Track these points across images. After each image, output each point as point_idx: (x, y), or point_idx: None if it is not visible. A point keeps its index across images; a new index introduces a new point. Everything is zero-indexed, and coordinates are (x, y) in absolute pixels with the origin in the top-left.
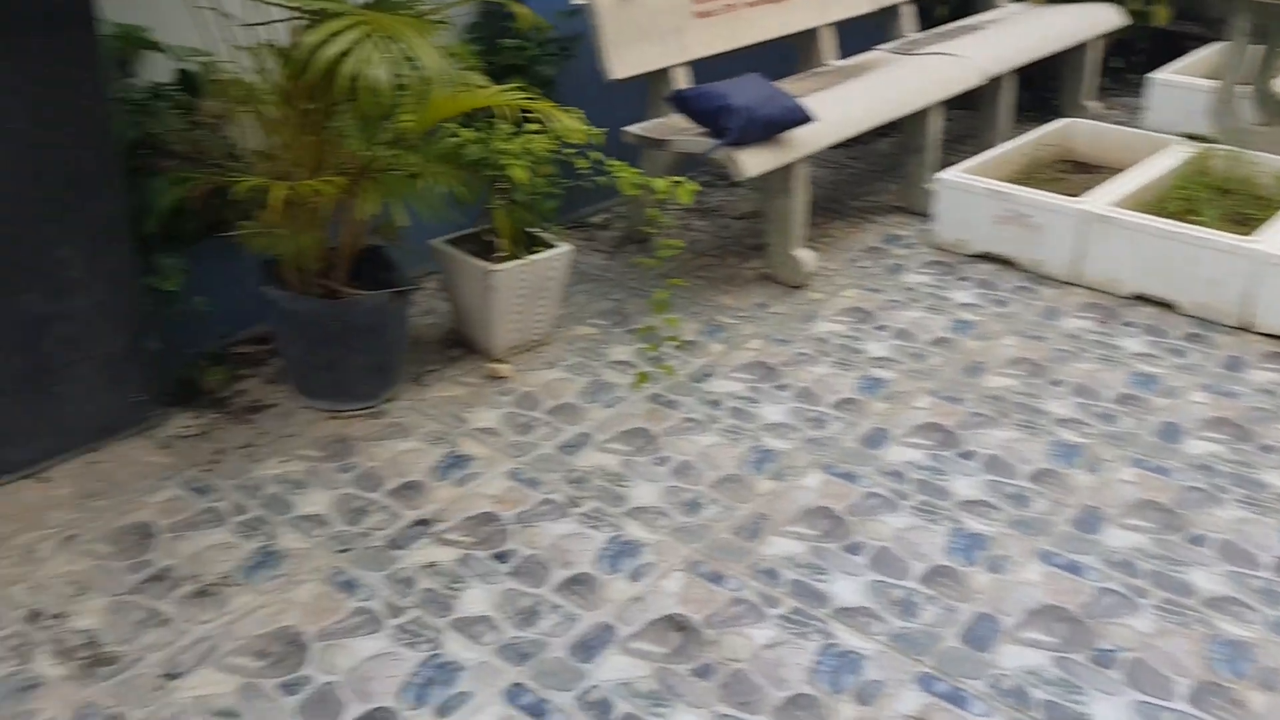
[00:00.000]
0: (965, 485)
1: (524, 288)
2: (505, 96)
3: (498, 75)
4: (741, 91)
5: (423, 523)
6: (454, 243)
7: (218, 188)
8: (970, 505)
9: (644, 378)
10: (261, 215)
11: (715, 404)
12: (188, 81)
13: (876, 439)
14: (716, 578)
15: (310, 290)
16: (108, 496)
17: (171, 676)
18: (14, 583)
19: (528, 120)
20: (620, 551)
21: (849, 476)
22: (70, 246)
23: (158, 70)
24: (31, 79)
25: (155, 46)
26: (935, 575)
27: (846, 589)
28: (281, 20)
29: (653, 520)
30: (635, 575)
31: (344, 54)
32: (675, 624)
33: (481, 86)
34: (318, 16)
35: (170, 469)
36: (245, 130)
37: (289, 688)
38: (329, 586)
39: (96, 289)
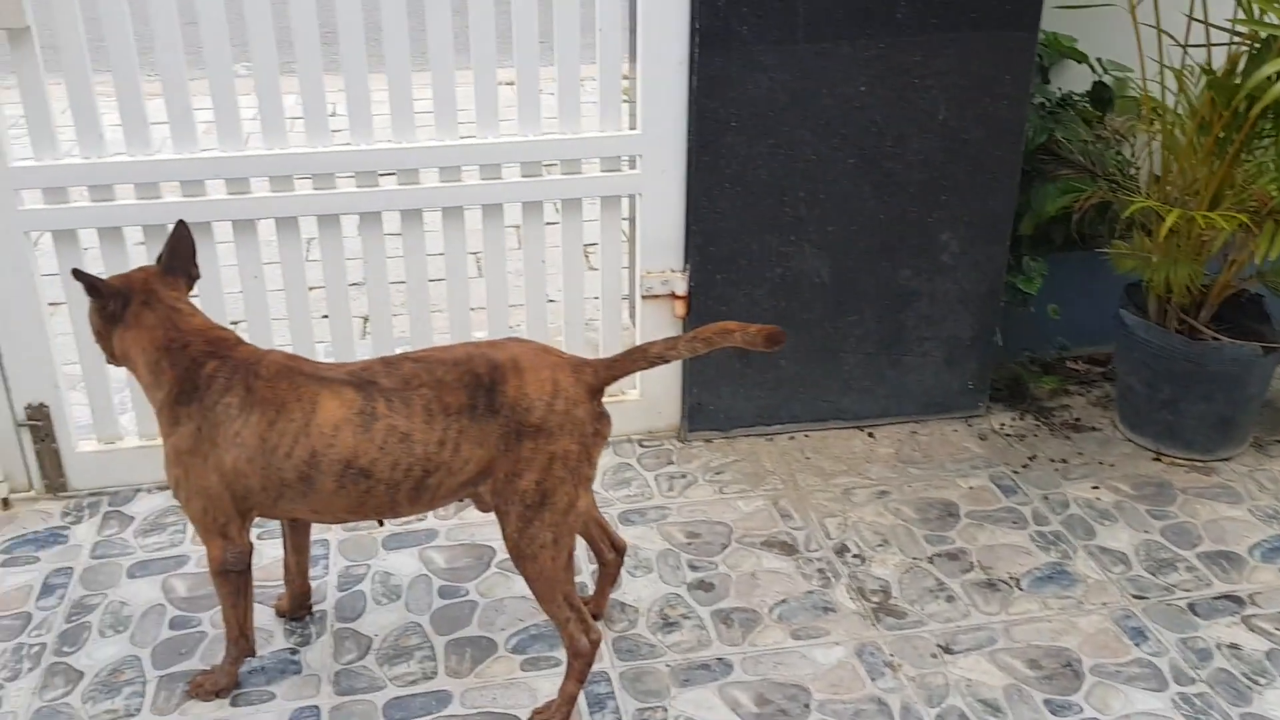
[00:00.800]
0: None
1: None
2: None
3: None
4: None
5: (1233, 599)
6: None
7: (1103, 202)
8: None
9: None
10: (1139, 238)
11: None
12: (1099, 94)
13: None
14: None
15: (1169, 324)
16: (922, 467)
17: (947, 651)
18: (830, 515)
19: None
20: None
21: None
22: (952, 232)
23: (1073, 79)
24: (965, 72)
25: (1080, 56)
26: None
27: None
28: (1221, 44)
29: None
30: None
31: None
32: None
33: None
34: (1265, 45)
35: (983, 460)
36: (1145, 150)
37: (1056, 708)
38: (1116, 626)
39: (964, 276)
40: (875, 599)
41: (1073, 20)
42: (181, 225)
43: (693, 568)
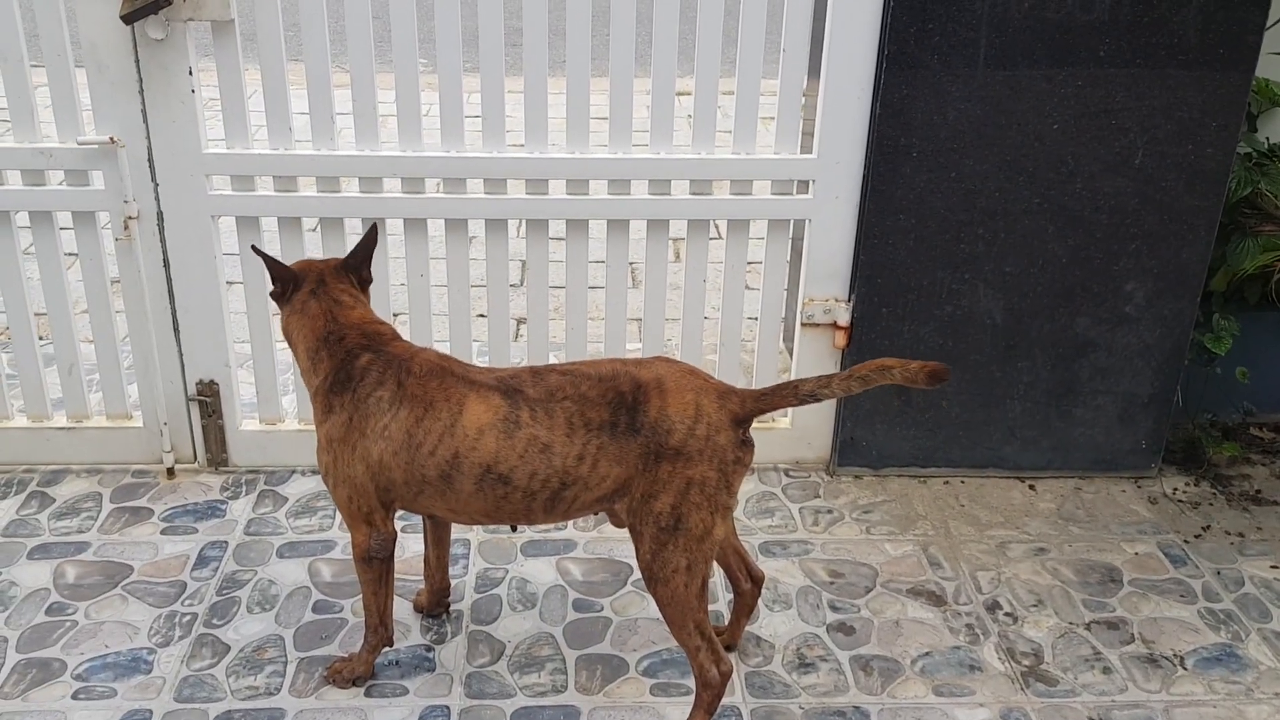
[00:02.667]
0: None
1: None
2: None
3: None
4: None
5: None
6: None
7: None
8: None
9: None
10: None
11: None
12: None
13: None
14: None
15: None
16: (1084, 526)
17: None
18: (983, 569)
19: None
20: None
21: None
22: (1138, 282)
23: None
24: (1168, 115)
25: None
26: None
27: None
28: None
29: None
30: None
31: None
32: None
33: None
34: None
35: (1152, 525)
36: None
37: None
38: None
39: (1146, 330)
40: (1026, 662)
41: None
42: (373, 228)
43: (834, 608)
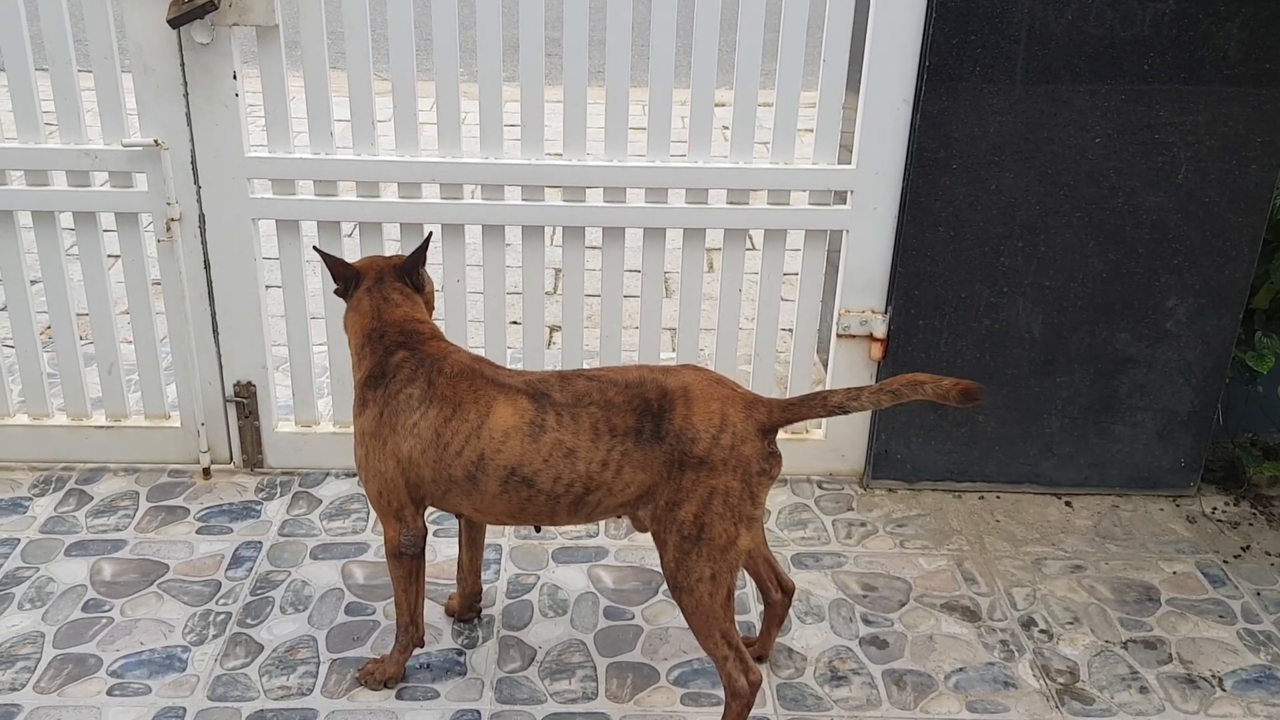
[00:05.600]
0: None
1: None
2: None
3: None
4: None
5: None
6: None
7: None
8: None
9: None
10: None
11: None
12: None
13: None
14: None
15: None
16: (1122, 544)
17: None
18: (1018, 585)
19: None
20: None
21: None
22: (1179, 298)
23: None
24: (1212, 131)
25: None
26: None
27: None
28: None
29: None
30: None
31: None
32: None
33: None
34: None
35: (1190, 544)
36: None
37: None
38: None
39: (1187, 346)
40: (1061, 680)
41: None
42: (428, 237)
43: (866, 621)
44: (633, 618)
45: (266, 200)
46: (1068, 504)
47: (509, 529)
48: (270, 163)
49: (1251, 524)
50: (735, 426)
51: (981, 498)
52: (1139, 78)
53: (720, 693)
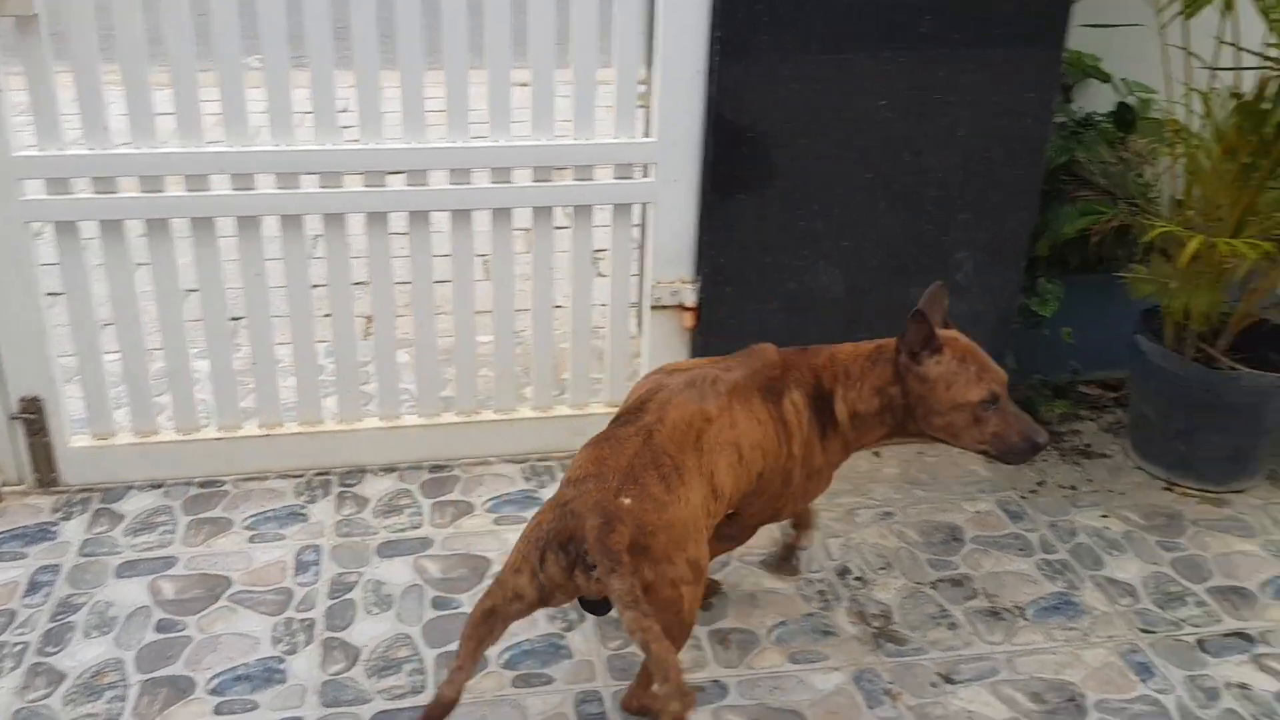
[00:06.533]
0: None
1: None
2: None
3: None
4: None
5: (1243, 637)
6: None
7: (1122, 226)
8: None
9: None
10: (1158, 263)
11: None
12: (1122, 115)
13: None
14: None
15: (1185, 351)
16: (928, 489)
17: (948, 680)
18: (833, 536)
19: None
20: None
21: None
22: (968, 252)
23: (1096, 99)
24: (987, 89)
25: (1103, 76)
26: None
27: None
28: (1251, 68)
29: None
30: None
31: None
32: None
33: None
34: None
35: (990, 484)
36: (1168, 174)
37: None
38: (1121, 660)
39: (977, 297)
40: (876, 624)
41: (1097, 39)
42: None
43: None
44: (460, 606)
45: (39, 202)
46: (876, 454)
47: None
48: (41, 162)
49: (1045, 460)
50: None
51: None
52: (917, 43)
53: (550, 672)
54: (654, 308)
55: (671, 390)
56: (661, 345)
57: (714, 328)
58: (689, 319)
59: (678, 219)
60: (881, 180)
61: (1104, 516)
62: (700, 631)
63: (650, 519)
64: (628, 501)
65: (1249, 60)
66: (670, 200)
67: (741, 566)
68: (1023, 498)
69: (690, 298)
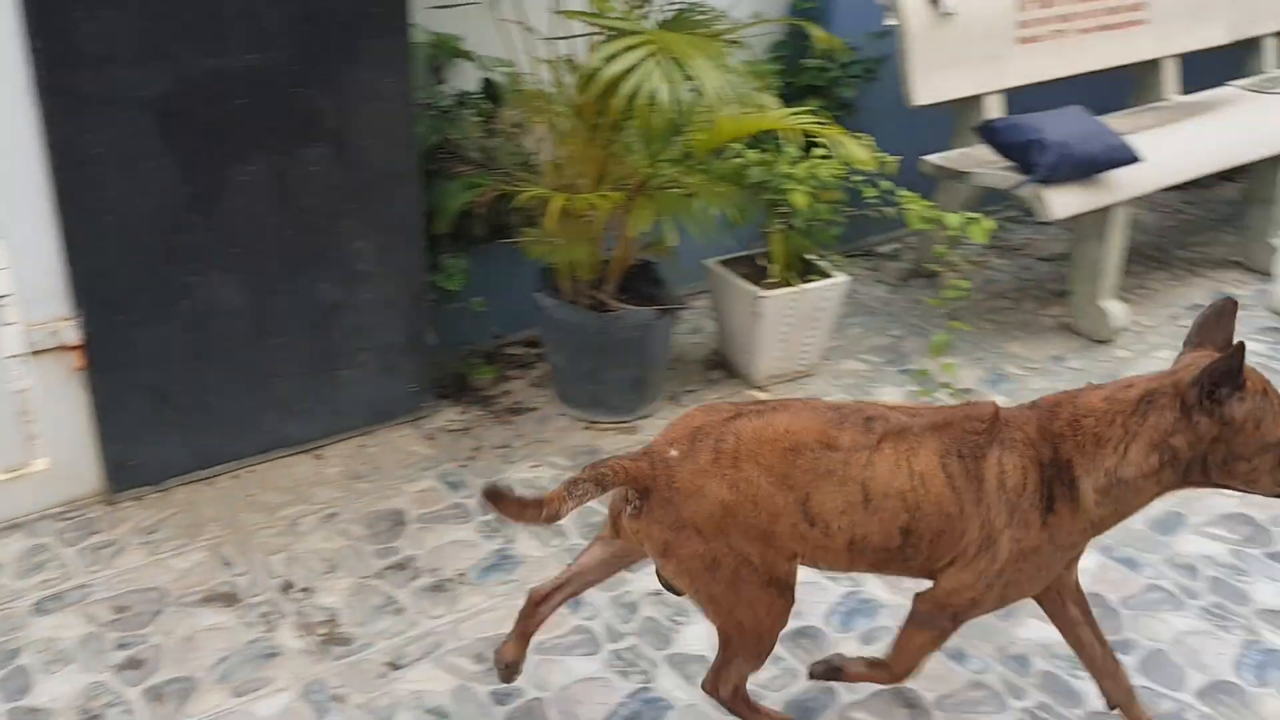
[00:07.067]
0: None
1: (793, 315)
2: (792, 120)
3: (797, 96)
4: (1059, 125)
5: None
6: (727, 264)
7: (503, 195)
8: None
9: None
10: (544, 225)
11: None
12: (490, 91)
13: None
14: None
15: (580, 300)
16: (370, 480)
17: (395, 666)
18: (275, 552)
19: (816, 145)
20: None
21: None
22: (365, 240)
23: (468, 78)
24: (347, 78)
25: (465, 55)
26: None
27: None
28: (582, 35)
29: None
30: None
31: (627, 72)
32: None
33: (772, 108)
34: (612, 34)
35: (431, 460)
36: (539, 140)
37: (500, 697)
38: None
39: (385, 282)
40: (322, 631)
41: (456, 19)
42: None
43: (121, 646)
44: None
45: None
46: (318, 457)
47: None
48: None
49: (481, 425)
50: None
51: (235, 476)
52: (264, 39)
53: None
54: (37, 353)
55: (823, 411)
56: (56, 393)
57: (109, 363)
58: (78, 359)
59: (37, 253)
60: (261, 181)
61: (535, 467)
62: (132, 694)
63: (683, 480)
64: (674, 454)
65: (580, 29)
66: (22, 234)
67: (177, 609)
68: (462, 466)
69: (74, 336)
